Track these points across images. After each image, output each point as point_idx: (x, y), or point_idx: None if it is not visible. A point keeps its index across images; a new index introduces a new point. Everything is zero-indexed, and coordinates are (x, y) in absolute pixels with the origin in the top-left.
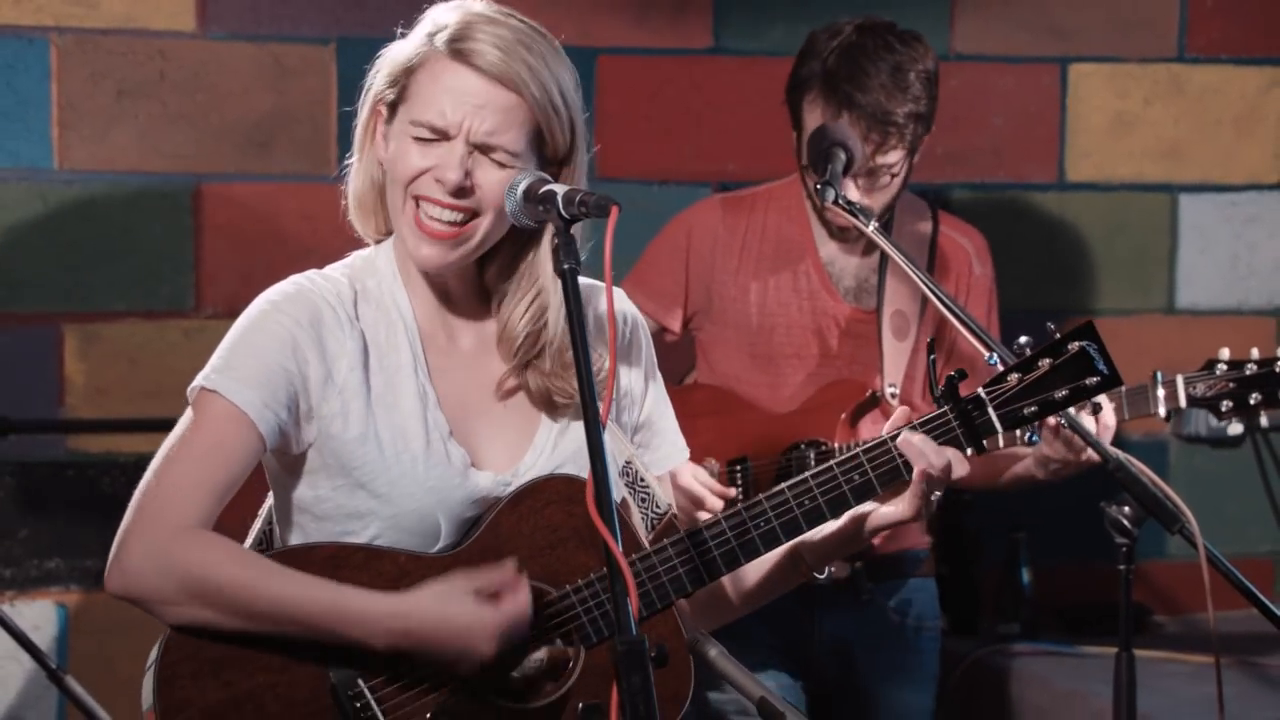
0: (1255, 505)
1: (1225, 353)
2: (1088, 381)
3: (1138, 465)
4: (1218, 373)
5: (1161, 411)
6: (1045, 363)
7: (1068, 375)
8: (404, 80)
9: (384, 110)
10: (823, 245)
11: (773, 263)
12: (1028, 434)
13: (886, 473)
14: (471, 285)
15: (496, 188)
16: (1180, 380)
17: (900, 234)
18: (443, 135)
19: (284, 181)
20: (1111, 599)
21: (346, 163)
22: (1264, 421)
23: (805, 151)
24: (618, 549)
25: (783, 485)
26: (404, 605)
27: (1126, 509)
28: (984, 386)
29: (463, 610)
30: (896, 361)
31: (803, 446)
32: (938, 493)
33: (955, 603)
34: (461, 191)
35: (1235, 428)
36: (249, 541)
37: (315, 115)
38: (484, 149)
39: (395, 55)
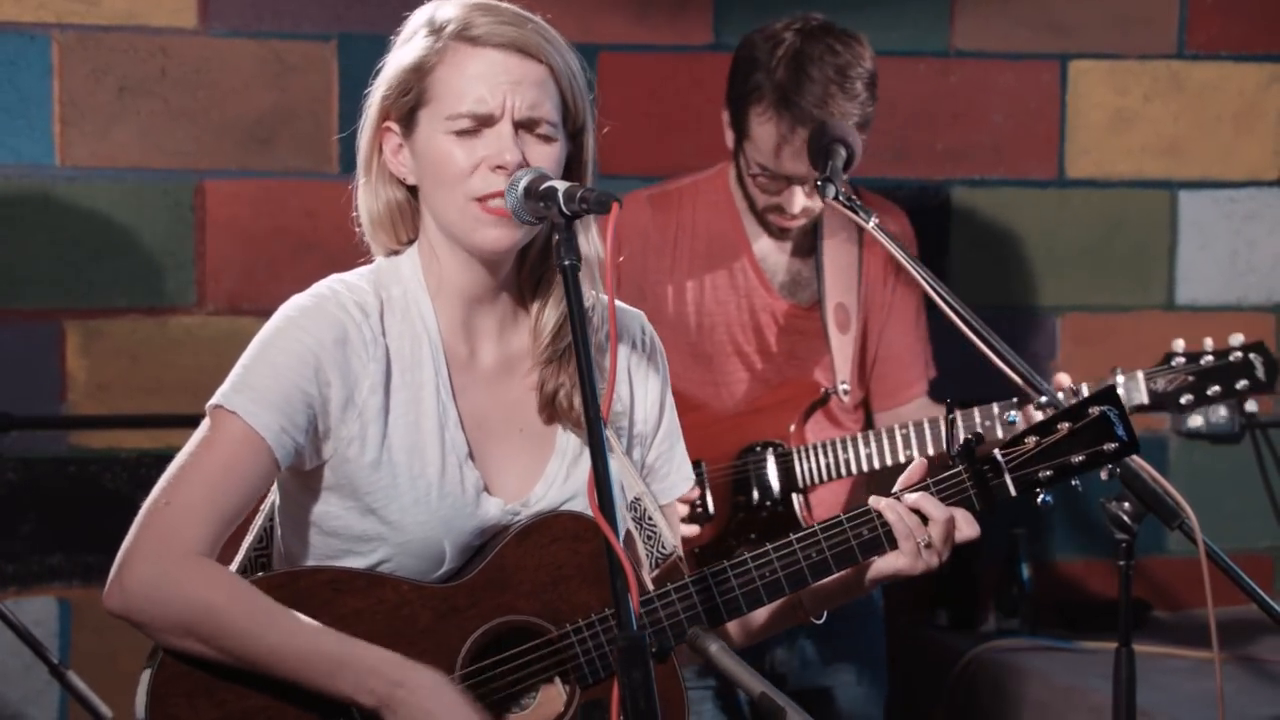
0: (1255, 501)
1: (1180, 344)
2: (1106, 447)
3: (1137, 461)
4: (1174, 365)
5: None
6: (1064, 426)
7: (1086, 440)
8: (419, 83)
9: (396, 126)
10: (755, 240)
11: (706, 260)
12: (1041, 496)
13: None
14: (506, 292)
15: (550, 165)
16: (1142, 376)
17: (829, 219)
18: (486, 121)
19: (286, 178)
20: (1111, 595)
21: (352, 188)
22: (1251, 406)
23: (806, 148)
24: (618, 544)
25: (791, 537)
26: (405, 669)
27: (1126, 505)
28: (1000, 449)
29: (453, 704)
30: (844, 356)
31: (758, 448)
32: (945, 554)
33: (955, 599)
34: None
35: (1195, 419)
36: (249, 536)
37: (317, 112)
38: (529, 125)
39: (399, 63)
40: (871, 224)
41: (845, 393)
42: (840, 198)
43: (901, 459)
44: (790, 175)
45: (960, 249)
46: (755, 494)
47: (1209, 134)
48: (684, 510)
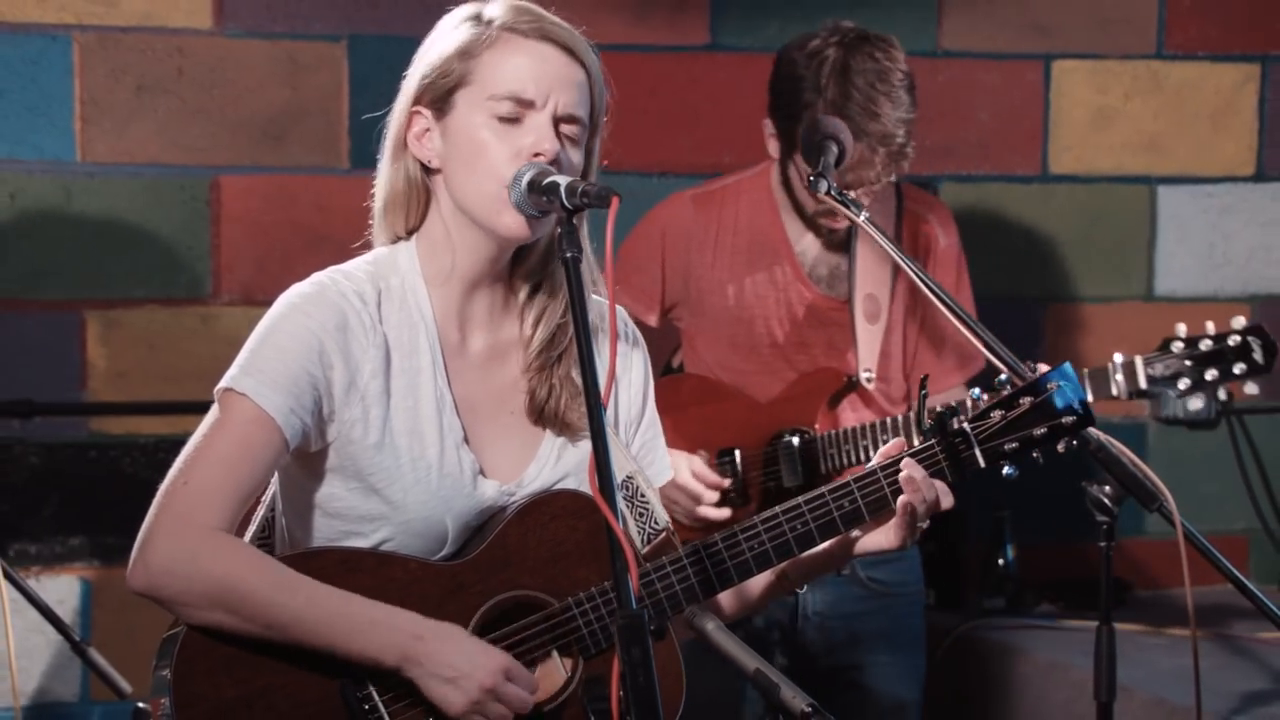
0: (1230, 484)
1: (1182, 329)
2: (1064, 420)
3: (1118, 446)
4: (1174, 350)
5: (1123, 394)
6: (1026, 400)
7: (1046, 413)
8: (462, 65)
9: (427, 111)
10: (795, 237)
11: (747, 255)
12: (1006, 469)
13: (875, 501)
14: (500, 282)
15: (576, 168)
16: (1139, 361)
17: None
18: (528, 106)
19: (297, 173)
20: (1092, 575)
21: (375, 174)
22: (1221, 395)
23: (799, 144)
24: (618, 526)
25: (776, 508)
26: (425, 624)
27: (1107, 488)
28: (969, 421)
29: (472, 652)
30: (870, 345)
31: (786, 435)
32: (924, 524)
33: (941, 578)
34: (555, 164)
35: (1195, 403)
36: (252, 527)
37: (328, 110)
38: (566, 121)
39: (442, 49)
40: (862, 218)
41: (869, 381)
42: (832, 192)
43: (918, 444)
44: (849, 183)
45: None
46: (784, 478)
47: (1187, 131)
48: (714, 496)
